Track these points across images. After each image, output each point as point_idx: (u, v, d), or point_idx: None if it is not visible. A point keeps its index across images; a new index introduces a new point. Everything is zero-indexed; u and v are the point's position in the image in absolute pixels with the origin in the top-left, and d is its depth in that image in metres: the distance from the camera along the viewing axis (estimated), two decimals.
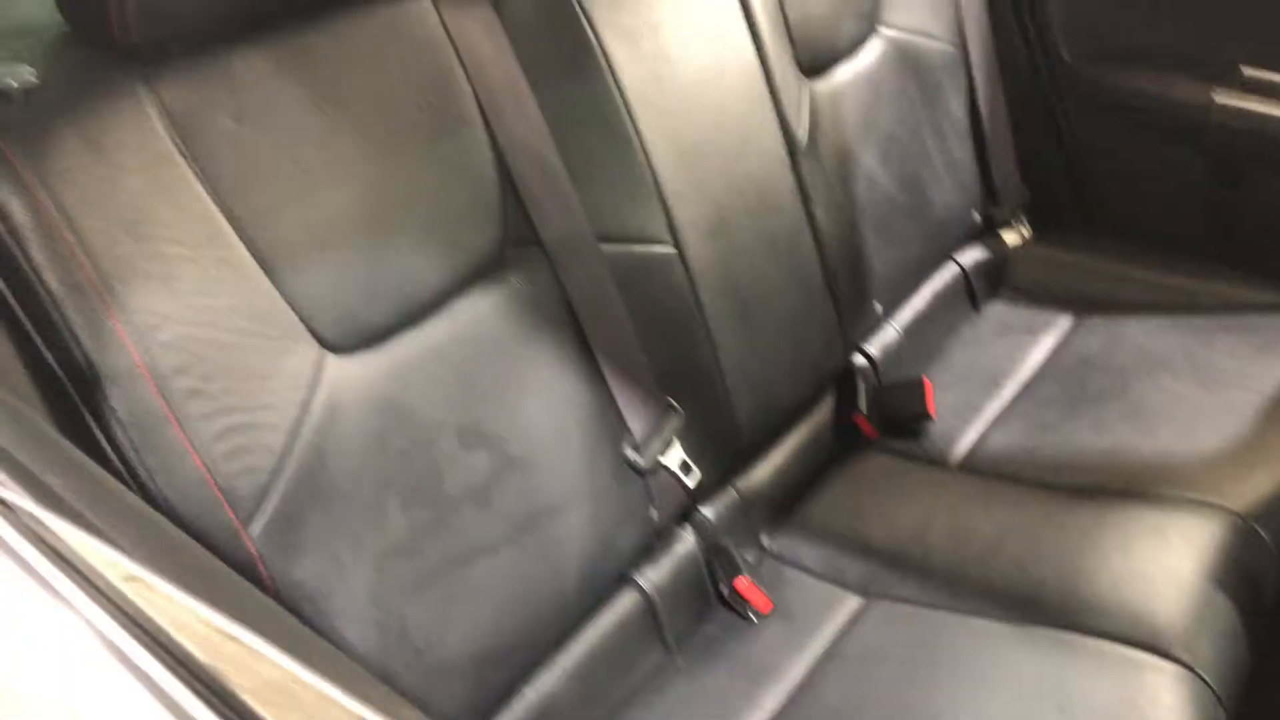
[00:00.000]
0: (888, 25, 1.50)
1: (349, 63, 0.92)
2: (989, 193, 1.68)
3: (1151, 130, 1.67)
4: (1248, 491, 1.20)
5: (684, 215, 1.17)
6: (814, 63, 1.39)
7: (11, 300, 0.72)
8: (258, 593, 0.54)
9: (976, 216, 1.67)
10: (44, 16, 0.82)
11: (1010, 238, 1.72)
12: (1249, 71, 1.56)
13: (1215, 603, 1.09)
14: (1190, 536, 1.14)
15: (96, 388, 0.74)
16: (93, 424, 0.75)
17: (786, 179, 1.30)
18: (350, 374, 0.90)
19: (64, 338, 0.73)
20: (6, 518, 0.50)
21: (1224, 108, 1.58)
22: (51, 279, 0.72)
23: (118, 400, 0.75)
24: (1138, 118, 1.67)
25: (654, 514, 1.14)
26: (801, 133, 1.33)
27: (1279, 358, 1.40)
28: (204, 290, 0.80)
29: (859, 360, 1.45)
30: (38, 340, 0.73)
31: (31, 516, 0.48)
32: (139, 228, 0.77)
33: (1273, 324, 1.48)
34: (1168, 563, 1.12)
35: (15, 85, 0.72)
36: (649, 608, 1.13)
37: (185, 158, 0.81)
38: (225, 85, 0.84)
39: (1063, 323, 1.59)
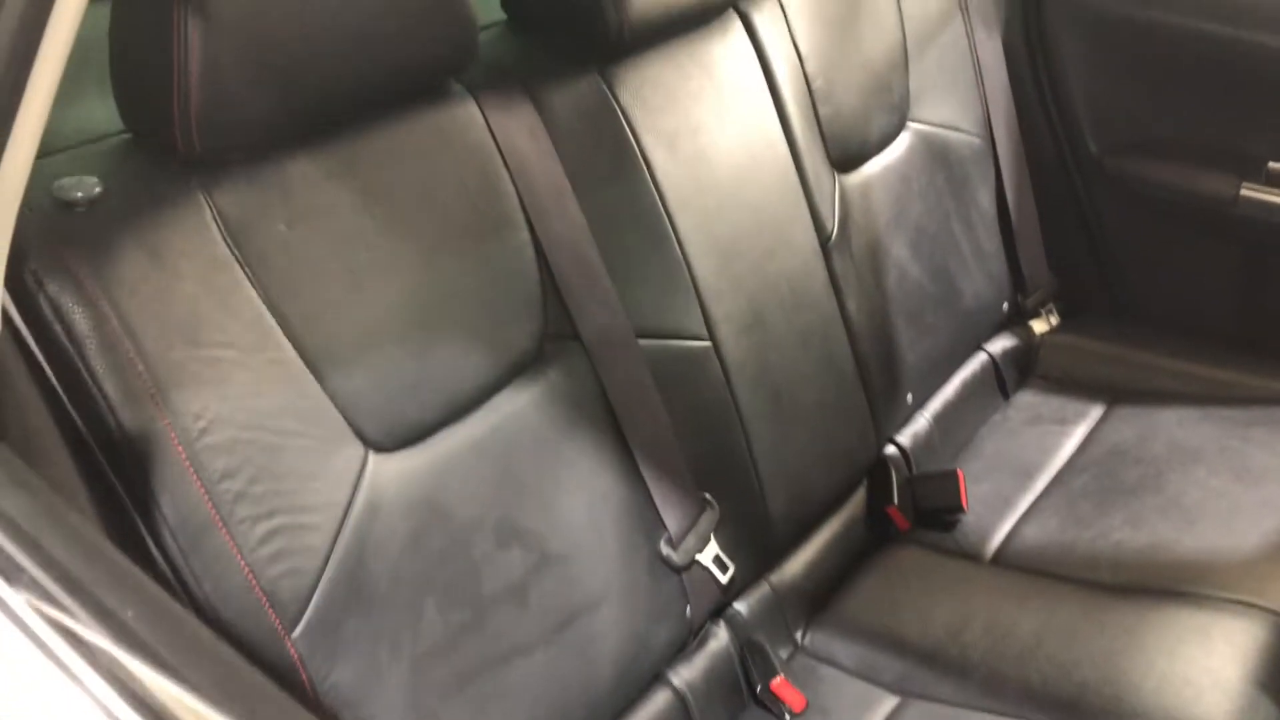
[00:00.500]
0: (917, 120, 1.53)
1: (397, 166, 0.94)
2: (1017, 282, 1.69)
3: (1179, 222, 1.68)
4: None
5: (719, 311, 1.18)
6: (845, 157, 1.41)
7: (70, 407, 0.74)
8: (302, 710, 0.54)
9: (1005, 306, 1.68)
10: (109, 122, 0.85)
11: (1039, 326, 1.72)
12: (1275, 165, 1.57)
13: (1260, 708, 1.07)
14: (1234, 639, 1.13)
15: (148, 494, 0.75)
16: (143, 529, 0.76)
17: (819, 273, 1.31)
18: (391, 472, 0.91)
19: (118, 444, 0.74)
20: (66, 639, 0.50)
21: (1251, 200, 1.59)
22: (109, 387, 0.73)
23: (167, 505, 0.76)
24: (1165, 209, 1.68)
25: (688, 611, 1.13)
26: (832, 226, 1.35)
27: None
28: (254, 392, 0.81)
29: (891, 450, 1.45)
30: (94, 447, 0.74)
31: (90, 644, 0.49)
32: (194, 333, 0.78)
33: None
34: (1212, 666, 1.10)
35: (81, 196, 0.74)
36: (682, 706, 1.12)
37: (239, 263, 0.82)
38: (279, 191, 0.86)
39: (1093, 412, 1.59)
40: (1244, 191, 1.60)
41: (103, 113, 0.85)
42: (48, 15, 0.56)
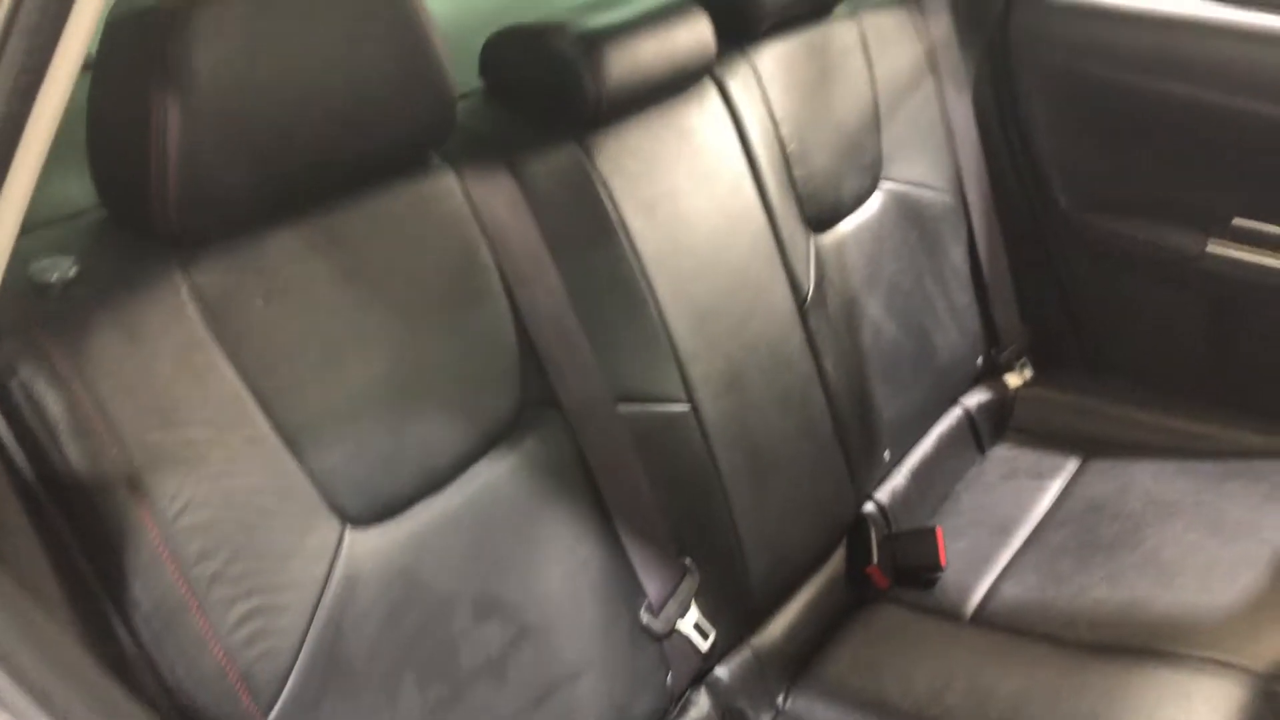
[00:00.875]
0: (889, 179, 1.55)
1: (376, 239, 0.94)
2: (991, 337, 1.71)
3: (1148, 276, 1.70)
4: (1266, 652, 1.19)
5: (698, 373, 1.18)
6: (820, 217, 1.42)
7: (41, 493, 0.73)
8: None
9: (979, 360, 1.69)
10: (86, 198, 0.84)
11: (1013, 380, 1.74)
12: (1240, 222, 1.60)
13: None
14: (1213, 700, 1.13)
15: (121, 579, 0.74)
16: (114, 617, 0.75)
17: (796, 333, 1.32)
18: (368, 547, 0.90)
19: (92, 531, 0.73)
20: None
21: (1217, 256, 1.62)
22: (83, 472, 0.73)
23: (141, 590, 0.75)
24: (1134, 264, 1.71)
25: (669, 679, 1.12)
26: (808, 286, 1.36)
27: None
28: (230, 472, 0.81)
29: (869, 508, 1.45)
30: (66, 534, 0.73)
31: None
32: (170, 414, 0.78)
33: (1278, 469, 1.49)
34: None
35: (55, 278, 0.74)
36: None
37: (216, 340, 0.82)
38: (256, 267, 0.85)
39: (1069, 466, 1.60)
40: (1210, 247, 1.62)
41: (80, 189, 0.85)
42: (34, 98, 0.56)
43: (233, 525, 0.80)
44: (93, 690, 0.56)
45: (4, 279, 0.65)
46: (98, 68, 0.78)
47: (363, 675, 0.87)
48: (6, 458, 0.71)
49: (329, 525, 0.87)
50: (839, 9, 1.50)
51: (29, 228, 0.78)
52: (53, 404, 0.72)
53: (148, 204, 0.78)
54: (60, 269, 0.75)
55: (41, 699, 0.50)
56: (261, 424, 0.84)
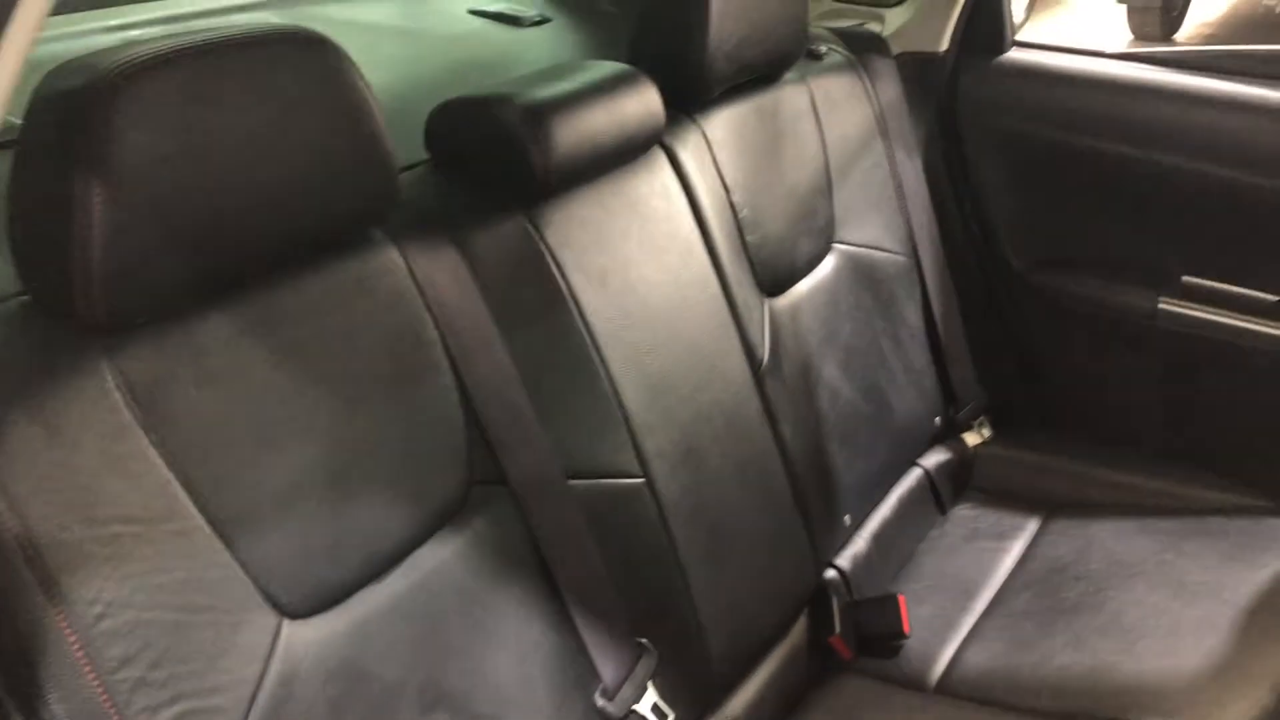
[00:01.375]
0: (842, 241, 1.54)
1: (315, 318, 0.91)
2: (948, 396, 1.70)
3: (1102, 334, 1.71)
4: (1231, 717, 1.17)
5: (652, 446, 1.16)
6: (774, 281, 1.41)
7: None
8: None
9: (938, 420, 1.68)
10: (6, 282, 0.81)
11: (972, 439, 1.73)
12: (1189, 280, 1.62)
13: None
14: None
15: (35, 692, 0.70)
16: None
17: (752, 401, 1.30)
18: (307, 639, 0.86)
19: (2, 642, 0.69)
20: None
21: (1168, 313, 1.63)
22: (5, 578, 0.68)
23: (57, 703, 0.70)
24: (1088, 322, 1.71)
25: None
26: (764, 352, 1.35)
27: (1245, 565, 1.40)
28: (157, 568, 0.77)
29: (831, 574, 1.43)
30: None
31: None
32: (91, 510, 0.74)
33: (1237, 528, 1.49)
34: None
35: None
36: None
37: (144, 429, 0.78)
38: (188, 352, 0.82)
39: (1030, 526, 1.58)
40: (1162, 305, 1.63)
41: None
42: None
43: (158, 626, 0.76)
44: None
45: None
46: (20, 146, 0.76)
47: None
48: None
49: (264, 619, 0.83)
50: (788, 75, 1.51)
51: None
52: None
53: (71, 289, 0.74)
54: None
55: None
56: (192, 515, 0.80)
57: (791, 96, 1.50)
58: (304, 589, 0.86)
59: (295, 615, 0.86)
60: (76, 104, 0.73)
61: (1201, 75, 1.58)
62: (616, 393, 1.13)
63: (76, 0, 1.45)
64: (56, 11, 1.23)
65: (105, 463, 0.76)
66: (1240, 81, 1.55)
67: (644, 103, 1.19)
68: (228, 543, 0.82)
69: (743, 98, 1.43)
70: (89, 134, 0.73)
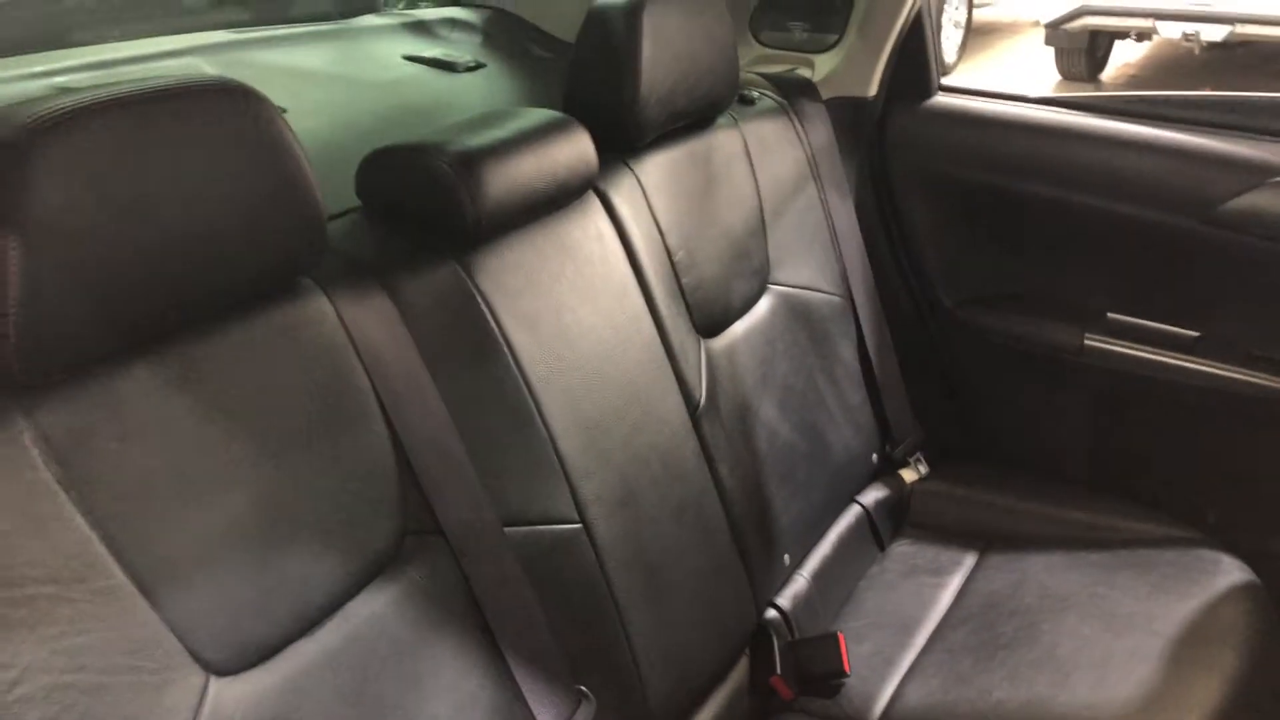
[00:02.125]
0: (777, 282, 1.56)
1: (240, 368, 0.90)
2: (885, 433, 1.73)
3: (1032, 370, 1.75)
4: None
5: (589, 491, 1.16)
6: (710, 323, 1.43)
7: None
8: None
9: (875, 457, 1.70)
10: None
11: (909, 475, 1.75)
12: (1114, 316, 1.66)
13: None
14: None
15: None
16: None
17: (689, 442, 1.31)
18: (236, 696, 0.84)
19: None
20: None
21: (1094, 349, 1.67)
22: None
23: None
24: (1017, 359, 1.75)
25: None
26: (700, 394, 1.35)
27: (1173, 597, 1.43)
28: (76, 630, 0.75)
29: (771, 614, 1.43)
30: None
31: None
32: (6, 572, 0.72)
33: (1164, 559, 1.52)
34: None
35: None
36: None
37: (63, 486, 0.77)
38: (109, 407, 0.81)
39: (967, 560, 1.60)
40: (1087, 341, 1.68)
41: None
42: None
43: (78, 689, 0.74)
44: None
45: None
46: None
47: None
48: None
49: (191, 678, 0.81)
50: (720, 120, 1.53)
51: None
52: None
53: None
54: None
55: None
56: (114, 573, 0.78)
57: (724, 141, 1.53)
58: (232, 645, 0.85)
59: (223, 672, 0.84)
60: None
61: (1119, 120, 1.63)
62: (552, 438, 1.13)
63: (4, 45, 1.44)
64: None
65: (22, 523, 0.74)
66: (1156, 126, 1.61)
67: (576, 149, 1.20)
68: (152, 600, 0.80)
69: (676, 142, 1.44)
70: (1, 188, 0.71)
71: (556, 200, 1.20)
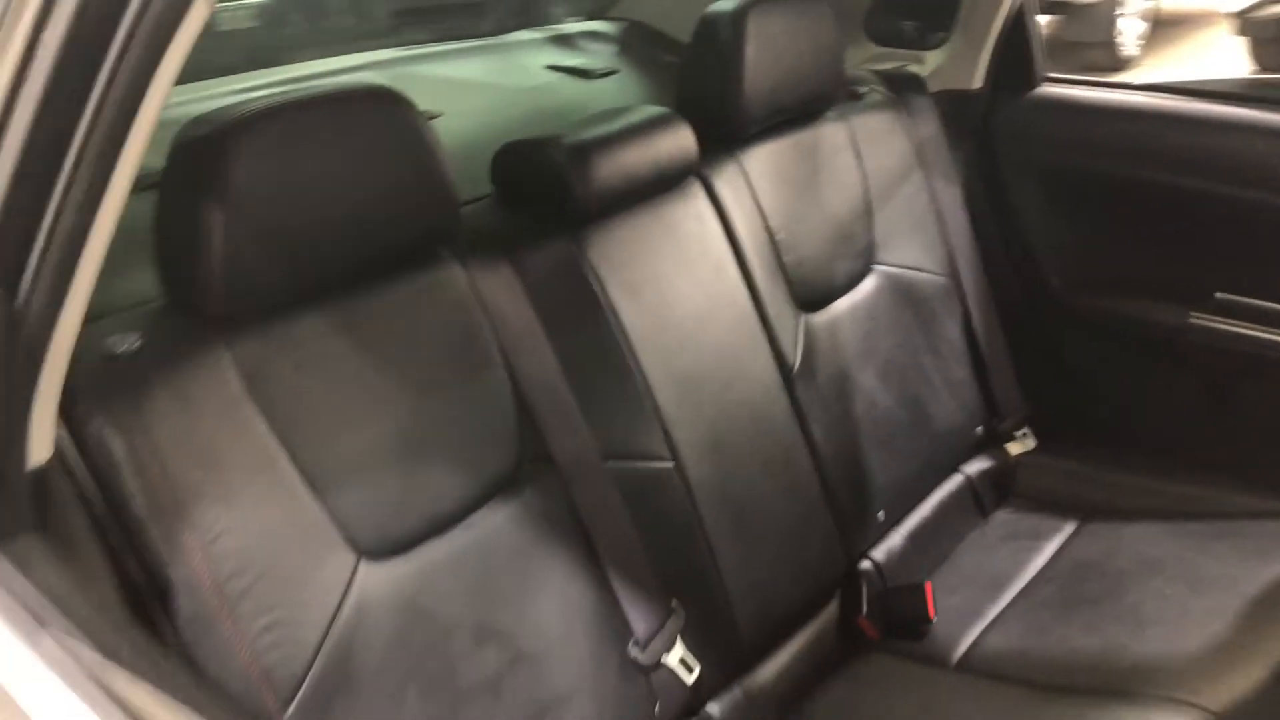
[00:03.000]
0: (882, 263, 1.69)
1: (391, 319, 1.12)
2: (991, 408, 1.82)
3: (1138, 349, 1.80)
4: (1224, 692, 1.26)
5: (681, 436, 1.33)
6: (811, 298, 1.57)
7: (107, 517, 0.91)
8: None
9: (979, 430, 1.80)
10: (151, 290, 1.04)
11: (1015, 449, 1.83)
12: (1221, 295, 1.70)
13: None
14: None
15: (168, 589, 0.91)
16: (162, 621, 0.92)
17: (781, 402, 1.46)
18: (379, 578, 1.06)
19: (145, 549, 0.91)
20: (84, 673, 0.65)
21: (1200, 328, 1.71)
22: (140, 503, 0.91)
23: (183, 599, 0.92)
24: (1124, 338, 1.81)
25: (657, 708, 1.24)
26: (795, 360, 1.50)
27: (1264, 562, 1.47)
28: (259, 508, 0.98)
29: (866, 565, 1.56)
30: (124, 551, 0.91)
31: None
32: (211, 459, 0.96)
33: (1263, 530, 1.56)
34: None
35: (122, 350, 0.94)
36: None
37: (253, 401, 1.00)
38: (288, 342, 1.04)
39: (1066, 529, 1.68)
40: (1193, 319, 1.72)
41: (145, 284, 1.05)
42: (94, 212, 0.75)
43: (260, 552, 0.97)
44: (140, 649, 0.72)
45: (82, 351, 0.84)
46: (162, 185, 0.99)
47: (371, 686, 1.02)
48: (80, 488, 0.89)
49: (345, 557, 1.04)
50: (829, 114, 1.67)
51: (105, 312, 0.99)
52: (117, 449, 0.91)
53: (199, 293, 0.97)
54: (126, 342, 0.94)
55: (94, 638, 0.66)
56: (288, 470, 1.02)
57: (831, 133, 1.67)
58: (378, 536, 1.07)
59: (370, 556, 1.06)
60: (201, 150, 0.97)
61: (1222, 103, 1.67)
62: (649, 388, 1.31)
63: (232, 66, 1.74)
64: (193, 78, 1.49)
65: (222, 425, 0.98)
66: (1260, 109, 1.65)
67: (677, 140, 1.38)
68: (316, 493, 1.03)
69: (782, 135, 1.60)
70: (211, 174, 0.96)
71: (658, 185, 1.38)
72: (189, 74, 0.77)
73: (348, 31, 2.25)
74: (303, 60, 1.82)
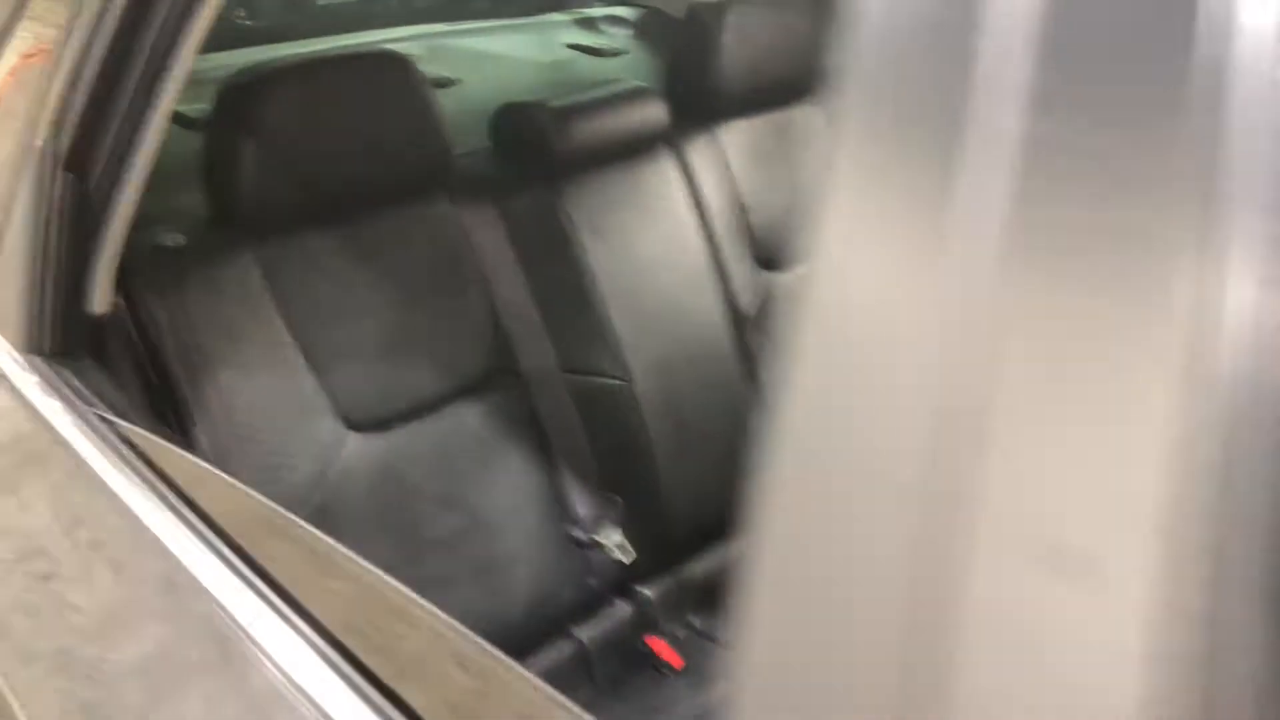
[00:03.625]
0: None
1: (388, 241, 1.39)
2: None
3: None
4: None
5: (634, 359, 1.58)
6: (777, 258, 1.80)
7: (151, 369, 1.20)
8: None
9: None
10: (198, 208, 1.33)
11: None
12: None
13: None
14: None
15: (193, 429, 1.20)
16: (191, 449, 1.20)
17: (728, 342, 1.70)
18: (363, 448, 1.33)
19: (179, 398, 1.20)
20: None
21: None
22: (174, 360, 1.19)
23: (204, 436, 1.20)
24: None
25: (592, 582, 1.50)
26: (751, 310, 1.73)
27: None
28: (267, 376, 1.26)
29: None
30: (164, 396, 1.20)
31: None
32: (233, 335, 1.24)
33: None
34: None
35: (170, 244, 1.22)
36: (583, 658, 1.48)
37: (268, 293, 1.28)
38: (302, 251, 1.32)
39: None
40: None
41: (193, 202, 1.33)
42: (146, 122, 1.02)
43: (267, 409, 1.25)
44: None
45: (140, 242, 1.13)
46: (210, 119, 1.27)
47: (349, 530, 1.29)
48: (129, 339, 1.18)
49: (334, 425, 1.31)
50: (806, 98, 1.89)
51: (161, 220, 1.28)
52: (161, 317, 1.19)
53: (232, 206, 1.25)
54: (173, 239, 1.23)
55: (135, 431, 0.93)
56: (293, 351, 1.29)
57: (807, 115, 1.89)
58: (364, 414, 1.34)
59: (357, 429, 1.33)
60: (241, 94, 1.24)
61: None
62: (608, 316, 1.56)
63: (303, 31, 2.03)
64: (248, 43, 1.76)
65: (245, 311, 1.26)
66: None
67: (650, 111, 1.62)
68: (316, 372, 1.30)
69: (761, 114, 1.82)
70: (248, 112, 1.23)
71: (631, 147, 1.63)
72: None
73: (413, 7, 2.53)
74: (378, 28, 2.10)
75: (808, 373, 0.42)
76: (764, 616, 0.41)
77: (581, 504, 1.50)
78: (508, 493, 1.44)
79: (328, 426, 1.31)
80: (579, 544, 1.49)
